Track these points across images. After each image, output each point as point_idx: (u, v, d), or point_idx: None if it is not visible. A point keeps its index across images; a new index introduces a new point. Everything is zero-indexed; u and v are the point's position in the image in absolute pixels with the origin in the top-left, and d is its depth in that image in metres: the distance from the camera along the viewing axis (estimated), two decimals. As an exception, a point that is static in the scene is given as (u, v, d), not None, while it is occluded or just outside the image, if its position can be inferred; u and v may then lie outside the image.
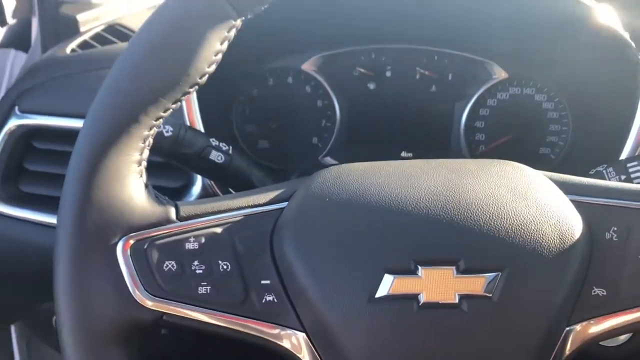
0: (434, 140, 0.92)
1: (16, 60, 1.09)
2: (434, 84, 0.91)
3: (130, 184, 0.46)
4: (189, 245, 0.47)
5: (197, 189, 0.78)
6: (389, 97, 0.92)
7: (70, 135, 0.79)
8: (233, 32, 0.45)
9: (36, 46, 0.99)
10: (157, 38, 0.43)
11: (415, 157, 0.93)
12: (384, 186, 0.48)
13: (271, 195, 0.50)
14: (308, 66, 0.91)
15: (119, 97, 0.44)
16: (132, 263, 0.46)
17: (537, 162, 0.90)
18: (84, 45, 0.89)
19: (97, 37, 0.91)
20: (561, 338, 0.46)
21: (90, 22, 0.94)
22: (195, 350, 0.89)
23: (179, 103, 0.46)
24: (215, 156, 0.66)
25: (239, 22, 0.44)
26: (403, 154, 0.93)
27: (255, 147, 0.94)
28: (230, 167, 0.67)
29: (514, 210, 0.46)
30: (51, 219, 0.81)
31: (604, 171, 0.66)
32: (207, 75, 0.45)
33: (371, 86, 0.92)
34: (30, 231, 0.82)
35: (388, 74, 0.91)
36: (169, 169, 0.74)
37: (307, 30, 0.88)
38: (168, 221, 0.47)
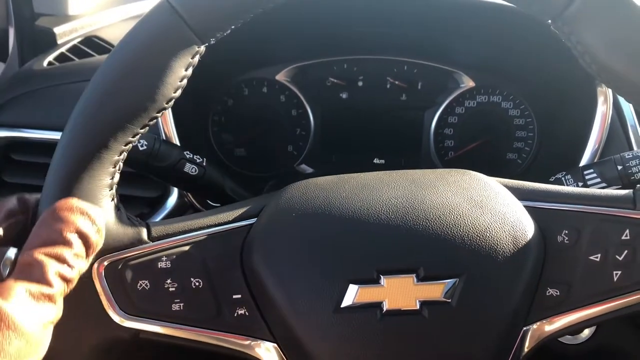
0: (405, 147, 0.95)
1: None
2: (404, 93, 0.94)
3: (103, 208, 0.47)
4: (162, 264, 0.48)
5: (173, 198, 0.80)
6: (361, 106, 0.94)
7: (48, 147, 0.80)
8: (197, 58, 0.46)
9: (13, 57, 0.99)
10: (123, 66, 0.45)
11: (387, 163, 0.96)
12: (347, 200, 0.50)
13: (240, 211, 0.51)
14: (282, 76, 0.93)
15: (88, 125, 0.45)
16: (107, 283, 0.47)
17: (504, 167, 0.93)
18: (61, 58, 0.89)
19: (74, 50, 0.92)
20: (519, 337, 0.49)
21: (67, 34, 0.94)
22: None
23: (148, 127, 0.47)
24: (189, 168, 0.68)
25: (202, 48, 0.46)
26: (375, 160, 0.96)
27: (232, 156, 0.96)
28: (204, 179, 0.69)
29: (471, 218, 0.49)
30: (30, 230, 0.82)
31: (563, 178, 0.68)
32: (173, 100, 0.47)
33: (344, 95, 0.94)
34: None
35: (360, 83, 0.94)
36: (146, 180, 0.76)
37: (281, 42, 0.90)
38: (140, 242, 0.49)
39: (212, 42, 0.46)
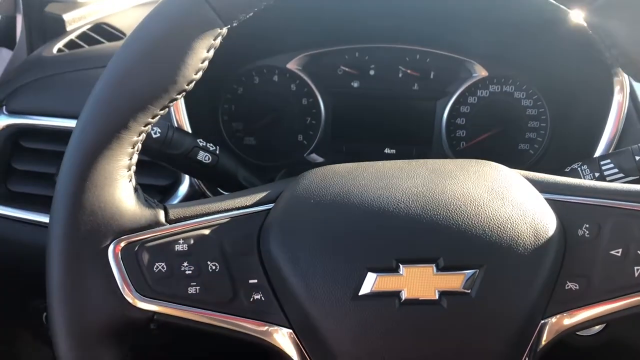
0: (417, 137, 0.94)
1: (1, 57, 1.08)
2: (416, 82, 0.93)
3: (121, 188, 0.47)
4: (178, 247, 0.48)
5: (184, 186, 0.80)
6: (373, 95, 0.93)
7: (57, 134, 0.80)
8: (219, 40, 0.46)
9: (21, 44, 0.98)
10: (145, 47, 0.44)
11: (398, 153, 0.95)
12: (366, 187, 0.50)
13: (258, 196, 0.51)
14: (293, 65, 0.92)
15: (109, 104, 0.45)
16: (123, 265, 0.47)
17: (516, 157, 0.92)
18: (71, 44, 0.89)
19: (84, 37, 0.91)
20: (537, 330, 0.49)
21: (76, 21, 0.94)
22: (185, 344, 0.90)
23: (167, 109, 0.47)
24: (203, 156, 0.67)
25: (224, 30, 0.46)
26: (386, 150, 0.95)
27: (242, 144, 0.95)
28: (217, 167, 0.68)
29: (491, 209, 0.48)
30: (39, 217, 0.82)
31: (579, 169, 0.68)
32: (194, 82, 0.46)
33: (355, 84, 0.93)
34: (19, 229, 0.83)
35: (372, 72, 0.93)
36: (158, 168, 0.75)
37: (293, 30, 0.89)
38: (157, 224, 0.48)
39: (234, 24, 0.46)
